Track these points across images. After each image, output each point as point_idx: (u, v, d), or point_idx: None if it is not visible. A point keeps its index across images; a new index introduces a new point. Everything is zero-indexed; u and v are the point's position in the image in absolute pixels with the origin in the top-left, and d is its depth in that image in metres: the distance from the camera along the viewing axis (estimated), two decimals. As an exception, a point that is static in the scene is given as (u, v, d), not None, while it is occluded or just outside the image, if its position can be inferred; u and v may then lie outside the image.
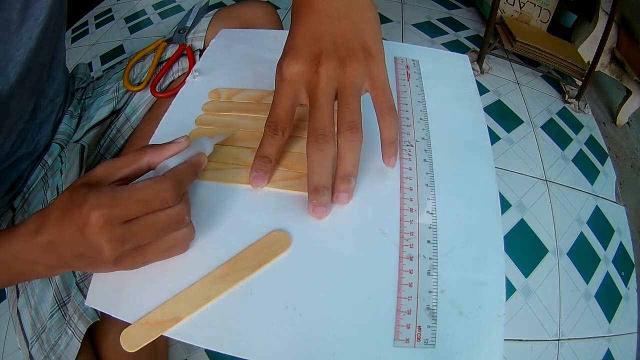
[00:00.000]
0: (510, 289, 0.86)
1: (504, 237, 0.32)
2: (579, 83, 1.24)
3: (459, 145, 0.37)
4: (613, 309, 0.88)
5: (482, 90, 1.25)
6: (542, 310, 0.84)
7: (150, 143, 0.38)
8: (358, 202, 0.33)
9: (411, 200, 0.33)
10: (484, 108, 0.41)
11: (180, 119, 0.40)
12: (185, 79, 0.44)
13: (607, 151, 1.19)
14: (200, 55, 0.53)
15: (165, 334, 0.27)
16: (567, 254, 0.94)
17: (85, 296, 0.39)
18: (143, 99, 0.54)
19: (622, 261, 0.96)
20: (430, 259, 0.30)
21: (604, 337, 0.84)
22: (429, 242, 0.31)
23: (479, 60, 1.28)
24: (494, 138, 1.12)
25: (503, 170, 1.06)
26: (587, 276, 0.91)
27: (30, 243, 0.26)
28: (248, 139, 0.37)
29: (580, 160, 1.13)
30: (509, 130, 1.16)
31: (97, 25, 1.50)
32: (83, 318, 0.38)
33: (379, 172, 0.35)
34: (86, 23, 1.52)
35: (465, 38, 1.45)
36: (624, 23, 1.15)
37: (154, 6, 1.55)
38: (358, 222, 0.32)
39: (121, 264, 0.26)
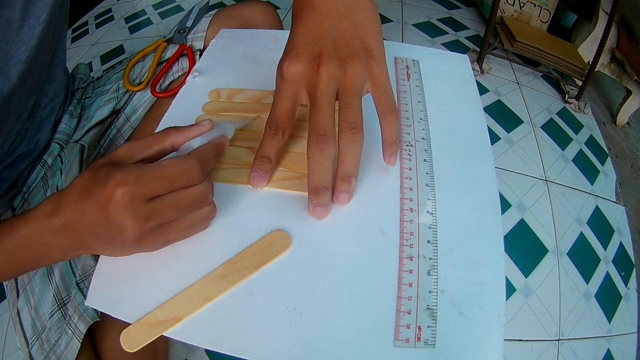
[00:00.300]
0: (510, 289, 0.86)
1: (504, 237, 0.32)
2: (579, 83, 1.24)
3: (459, 145, 0.37)
4: (613, 309, 0.89)
5: (482, 90, 1.25)
6: (542, 310, 0.84)
7: None
8: (358, 202, 0.33)
9: (411, 200, 0.33)
10: (484, 108, 0.41)
11: (180, 119, 0.40)
12: (185, 79, 0.44)
13: (607, 151, 1.19)
14: (200, 55, 0.53)
15: (165, 334, 0.27)
16: (567, 254, 0.94)
17: (85, 296, 0.39)
18: (143, 99, 0.54)
19: (622, 261, 0.96)
20: (430, 259, 0.30)
21: (604, 337, 0.84)
22: (429, 242, 0.31)
23: (479, 60, 1.28)
24: (494, 138, 1.12)
25: (503, 170, 1.06)
26: (587, 276, 0.91)
27: (46, 225, 0.26)
28: (248, 138, 0.37)
29: (580, 160, 1.13)
30: (509, 130, 1.16)
31: (97, 25, 1.50)
32: (83, 318, 0.38)
33: (379, 172, 0.35)
34: (86, 23, 1.52)
35: (465, 38, 1.45)
36: (624, 23, 1.15)
37: (154, 6, 1.56)
38: (358, 222, 0.32)
39: (143, 242, 0.26)
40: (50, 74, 0.47)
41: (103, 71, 0.61)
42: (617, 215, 1.04)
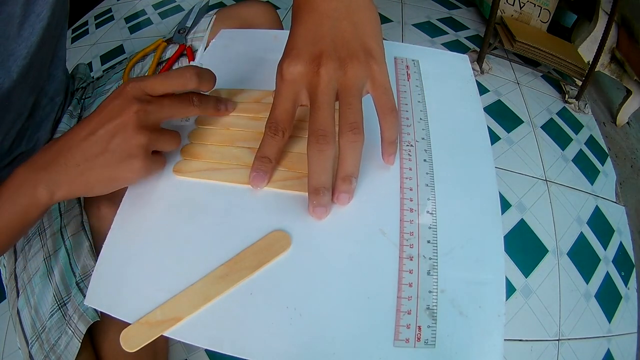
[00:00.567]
0: (510, 289, 0.86)
1: (504, 237, 0.32)
2: (579, 83, 1.24)
3: (459, 145, 0.37)
4: (613, 309, 0.89)
5: (482, 90, 1.25)
6: (542, 310, 0.84)
7: None
8: (358, 202, 0.33)
9: (411, 201, 0.33)
10: (484, 108, 0.41)
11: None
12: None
13: (607, 151, 1.19)
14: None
15: (165, 334, 0.27)
16: (567, 254, 0.94)
17: (85, 296, 0.39)
18: (143, 99, 0.54)
19: (622, 261, 0.96)
20: (430, 259, 0.30)
21: (604, 337, 0.84)
22: (429, 242, 0.31)
23: (479, 60, 1.28)
24: (494, 138, 1.12)
25: (503, 170, 1.06)
26: (587, 276, 0.91)
27: (39, 157, 0.29)
28: (248, 139, 0.37)
29: (580, 160, 1.13)
30: (509, 130, 1.16)
31: (97, 25, 1.50)
32: (83, 318, 0.38)
33: (379, 172, 0.35)
34: (86, 23, 1.52)
35: (465, 38, 1.45)
36: (624, 23, 1.15)
37: (154, 6, 1.56)
38: (358, 222, 0.32)
39: (139, 133, 0.30)
40: (50, 73, 0.47)
41: (103, 71, 0.61)
42: (617, 215, 1.04)
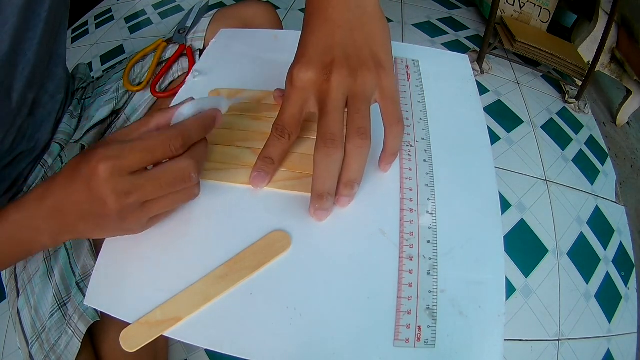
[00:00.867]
0: (510, 289, 0.86)
1: (504, 237, 0.32)
2: (579, 83, 1.24)
3: (459, 146, 0.37)
4: (613, 309, 0.89)
5: (482, 90, 1.25)
6: (542, 310, 0.84)
7: None
8: (358, 202, 0.33)
9: (411, 201, 0.33)
10: (484, 108, 0.41)
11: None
12: (185, 79, 0.44)
13: (607, 151, 1.19)
14: (200, 55, 0.53)
15: (165, 334, 0.27)
16: (567, 254, 0.94)
17: (85, 296, 0.39)
18: (143, 99, 0.54)
19: (622, 261, 0.96)
20: (430, 259, 0.30)
21: (604, 337, 0.84)
22: (428, 242, 0.31)
23: (479, 60, 1.28)
24: (494, 138, 1.12)
25: (503, 170, 1.06)
26: (587, 276, 0.91)
27: (35, 209, 0.27)
28: (248, 139, 0.37)
29: (580, 160, 1.13)
30: (509, 130, 1.16)
31: (97, 25, 1.50)
32: (83, 318, 0.38)
33: (379, 173, 0.35)
34: (86, 23, 1.52)
35: (465, 38, 1.45)
36: (624, 23, 1.15)
37: (154, 6, 1.55)
38: (358, 222, 0.32)
39: (126, 220, 0.27)
40: (50, 71, 0.47)
41: (103, 71, 0.61)
42: (617, 215, 1.04)
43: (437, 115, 0.40)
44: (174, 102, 0.41)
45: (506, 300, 0.29)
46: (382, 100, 0.31)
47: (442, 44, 1.40)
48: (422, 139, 0.37)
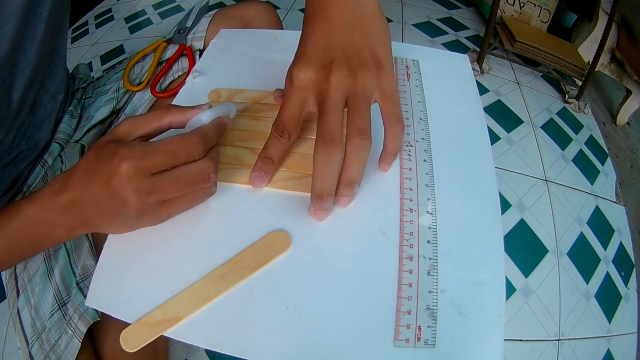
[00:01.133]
0: (510, 289, 0.86)
1: (504, 237, 0.32)
2: (579, 83, 1.24)
3: (459, 145, 0.37)
4: (613, 309, 0.89)
5: (482, 90, 1.25)
6: (542, 310, 0.84)
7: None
8: (358, 202, 0.33)
9: (411, 201, 0.33)
10: (484, 108, 0.41)
11: (180, 119, 0.40)
12: (185, 79, 0.44)
13: (607, 151, 1.19)
14: (200, 55, 0.53)
15: (165, 334, 0.27)
16: (567, 254, 0.94)
17: (85, 296, 0.39)
18: (143, 99, 0.54)
19: (622, 261, 0.96)
20: (430, 259, 0.30)
21: (604, 337, 0.84)
22: (428, 242, 0.31)
23: (479, 60, 1.28)
24: (494, 138, 1.12)
25: (503, 170, 1.06)
26: (587, 276, 0.91)
27: (52, 203, 0.27)
28: (247, 139, 0.37)
29: (580, 160, 1.13)
30: (509, 130, 1.16)
31: (97, 25, 1.50)
32: (83, 318, 0.38)
33: (379, 173, 0.35)
34: (86, 23, 1.52)
35: (465, 38, 1.45)
36: (624, 23, 1.15)
37: (154, 6, 1.56)
38: (358, 222, 0.32)
39: (144, 217, 0.28)
40: (51, 70, 0.47)
41: (103, 71, 0.61)
42: (617, 215, 1.04)
43: (437, 115, 0.40)
44: (174, 102, 0.41)
45: (506, 300, 0.29)
46: (382, 100, 0.31)
47: (442, 44, 1.40)
48: (422, 138, 0.37)
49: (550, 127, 1.19)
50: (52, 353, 0.38)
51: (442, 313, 0.28)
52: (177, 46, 0.55)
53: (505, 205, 0.98)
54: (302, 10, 1.48)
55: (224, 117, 0.32)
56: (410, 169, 0.35)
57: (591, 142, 1.19)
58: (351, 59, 0.30)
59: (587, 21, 1.28)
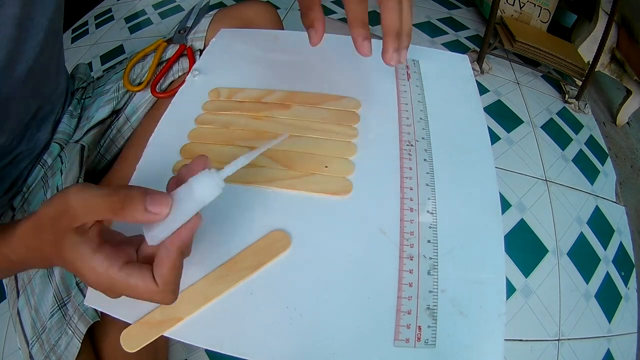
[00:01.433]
0: (510, 289, 0.86)
1: (504, 237, 0.32)
2: (579, 83, 1.24)
3: (459, 145, 0.37)
4: (613, 309, 0.88)
5: (482, 90, 1.25)
6: (542, 310, 0.84)
7: (150, 142, 0.38)
8: (358, 202, 0.33)
9: (411, 200, 0.33)
10: (484, 108, 0.41)
11: (179, 118, 0.40)
12: (186, 78, 0.44)
13: (607, 151, 1.19)
14: (201, 55, 0.53)
15: (165, 334, 0.27)
16: (567, 254, 0.94)
17: (85, 296, 0.39)
18: (143, 99, 0.54)
19: (622, 261, 0.96)
20: (430, 258, 0.30)
21: (604, 337, 0.84)
22: (429, 241, 0.31)
23: (479, 60, 1.28)
24: (494, 138, 1.12)
25: (503, 170, 1.06)
26: (587, 276, 0.91)
27: (23, 246, 0.26)
28: (248, 138, 0.37)
29: (580, 160, 1.13)
30: (509, 130, 1.16)
31: (97, 25, 1.50)
32: (83, 318, 0.38)
33: (379, 172, 0.35)
34: (86, 23, 1.52)
35: (465, 38, 1.45)
36: (624, 23, 1.15)
37: (154, 6, 1.55)
38: (358, 222, 0.32)
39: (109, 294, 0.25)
40: (53, 81, 0.47)
41: (103, 71, 0.61)
42: (617, 215, 1.04)
43: (438, 115, 0.40)
44: (174, 101, 0.41)
45: (506, 300, 0.29)
46: None
47: (442, 44, 1.40)
48: (423, 138, 0.37)
49: (550, 127, 1.19)
50: (52, 353, 0.38)
51: (442, 313, 0.28)
52: (178, 46, 0.55)
53: (505, 205, 0.98)
54: (302, 10, 1.48)
55: (185, 229, 0.24)
56: (410, 169, 0.35)
57: (591, 142, 1.19)
58: None
59: (587, 21, 1.28)
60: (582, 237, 0.97)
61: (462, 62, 0.46)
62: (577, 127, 1.22)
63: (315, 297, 0.29)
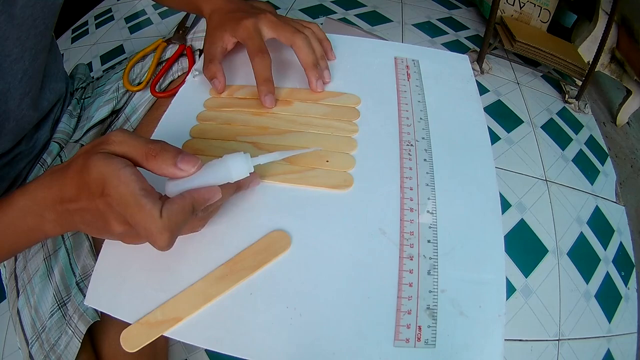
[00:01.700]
0: (510, 289, 0.86)
1: (504, 237, 0.32)
2: (579, 83, 1.24)
3: (459, 145, 0.37)
4: (613, 309, 0.89)
5: (482, 90, 1.25)
6: (542, 310, 0.84)
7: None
8: (358, 202, 0.33)
9: (411, 200, 0.33)
10: (484, 108, 0.41)
11: (179, 118, 0.40)
12: (185, 78, 0.44)
13: (607, 151, 1.19)
14: (200, 55, 0.53)
15: (165, 334, 0.27)
16: (567, 254, 0.94)
17: (85, 296, 0.39)
18: (143, 99, 0.54)
19: (622, 261, 0.96)
20: (430, 258, 0.30)
21: (604, 337, 0.84)
22: (429, 241, 0.31)
23: (479, 60, 1.28)
24: (494, 138, 1.12)
25: (503, 170, 1.06)
26: (587, 276, 0.91)
27: (41, 196, 0.27)
28: (249, 134, 0.37)
29: (580, 160, 1.13)
30: (509, 130, 1.16)
31: (97, 25, 1.50)
32: (83, 318, 0.38)
33: (380, 172, 0.35)
34: (86, 23, 1.52)
35: (465, 38, 1.45)
36: (624, 23, 1.15)
37: (154, 6, 1.55)
38: (358, 222, 0.32)
39: (127, 240, 0.28)
40: (50, 85, 0.47)
41: (103, 71, 0.61)
42: (617, 215, 1.04)
43: (438, 115, 0.40)
44: (174, 101, 0.41)
45: (506, 300, 0.29)
46: None
47: (442, 44, 1.40)
48: (423, 138, 0.37)
49: (550, 127, 1.19)
50: (52, 353, 0.38)
51: (442, 313, 0.28)
52: (177, 46, 0.55)
53: (505, 205, 0.98)
54: (302, 10, 1.48)
55: (206, 190, 0.26)
56: (410, 169, 0.35)
57: (591, 142, 1.20)
58: None
59: (587, 21, 1.28)
60: (582, 237, 0.97)
61: (462, 62, 0.46)
62: (577, 127, 1.22)
63: (315, 297, 0.29)
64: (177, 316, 0.28)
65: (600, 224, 1.01)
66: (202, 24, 0.57)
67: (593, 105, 1.31)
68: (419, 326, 0.27)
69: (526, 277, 0.88)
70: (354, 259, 0.30)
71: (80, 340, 0.37)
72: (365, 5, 1.50)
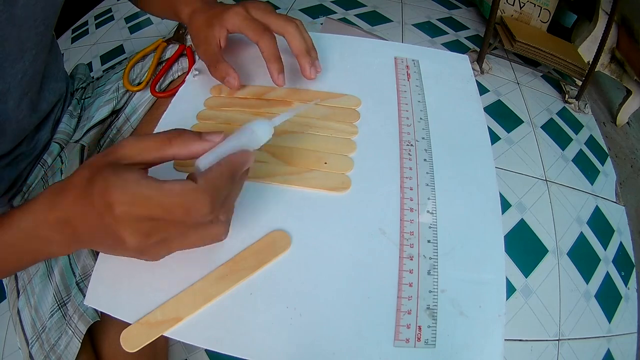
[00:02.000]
0: (510, 289, 0.86)
1: (504, 237, 0.32)
2: (579, 83, 1.24)
3: (459, 145, 0.37)
4: (613, 309, 0.89)
5: (482, 90, 1.25)
6: (542, 310, 0.84)
7: None
8: (358, 202, 0.33)
9: (411, 200, 0.33)
10: (484, 108, 0.41)
11: (179, 117, 0.40)
12: (185, 78, 0.44)
13: (607, 151, 1.19)
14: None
15: (165, 334, 0.27)
16: (567, 254, 0.94)
17: (85, 296, 0.39)
18: (143, 99, 0.54)
19: (622, 261, 0.96)
20: (430, 258, 0.30)
21: (604, 337, 0.84)
22: (429, 241, 0.31)
23: (479, 60, 1.28)
24: (494, 138, 1.12)
25: (503, 170, 1.06)
26: (587, 276, 0.91)
27: (43, 218, 0.25)
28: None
29: (580, 160, 1.13)
30: (509, 130, 1.16)
31: (97, 25, 1.50)
32: (83, 318, 0.38)
33: (380, 172, 0.35)
34: (86, 23, 1.52)
35: (465, 38, 1.45)
36: (624, 23, 1.15)
37: (154, 6, 1.55)
38: (358, 222, 0.32)
39: (143, 255, 0.25)
40: (50, 86, 0.47)
41: (103, 71, 0.61)
42: (617, 215, 1.04)
43: (438, 115, 0.40)
44: (174, 101, 0.41)
45: (506, 300, 0.29)
46: None
47: (442, 44, 1.40)
48: (423, 138, 0.37)
49: (550, 127, 1.19)
50: (52, 353, 0.38)
51: (442, 313, 0.28)
52: (177, 46, 0.55)
53: (505, 205, 0.99)
54: (302, 10, 1.48)
55: (241, 154, 0.26)
56: (410, 169, 0.35)
57: (591, 142, 1.20)
58: None
59: (587, 21, 1.28)
60: (582, 237, 0.97)
61: (462, 62, 0.46)
62: (577, 127, 1.22)
63: (315, 297, 0.29)
64: (177, 316, 0.28)
65: (600, 224, 1.01)
66: (202, 24, 0.57)
67: (593, 105, 1.31)
68: (419, 326, 0.27)
69: (526, 277, 0.88)
70: (354, 259, 0.30)
71: (80, 341, 0.37)
72: (365, 5, 1.50)
